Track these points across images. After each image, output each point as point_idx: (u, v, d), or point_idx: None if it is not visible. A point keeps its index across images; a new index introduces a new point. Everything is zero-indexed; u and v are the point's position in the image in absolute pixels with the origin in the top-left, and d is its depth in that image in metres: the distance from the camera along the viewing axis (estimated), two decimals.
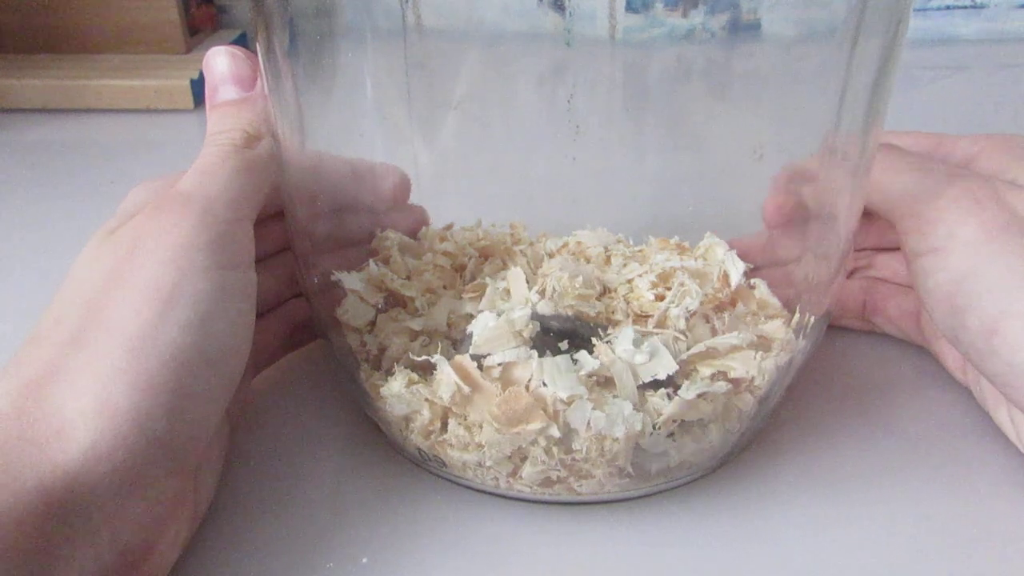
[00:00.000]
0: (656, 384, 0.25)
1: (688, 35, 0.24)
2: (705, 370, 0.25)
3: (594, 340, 0.25)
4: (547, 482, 0.25)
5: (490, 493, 0.27)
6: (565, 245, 0.31)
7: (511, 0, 0.24)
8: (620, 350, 0.25)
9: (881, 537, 0.26)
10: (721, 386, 0.25)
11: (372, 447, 0.29)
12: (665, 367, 0.25)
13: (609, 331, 0.26)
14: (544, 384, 0.24)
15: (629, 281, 0.29)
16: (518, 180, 0.31)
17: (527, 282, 0.28)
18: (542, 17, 0.24)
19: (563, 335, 0.26)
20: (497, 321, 0.25)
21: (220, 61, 0.28)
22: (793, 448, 0.29)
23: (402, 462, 0.29)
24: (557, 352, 0.25)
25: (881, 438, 0.30)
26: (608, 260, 0.30)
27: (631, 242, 0.32)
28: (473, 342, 0.25)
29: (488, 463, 0.25)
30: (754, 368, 0.25)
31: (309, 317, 0.32)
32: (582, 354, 0.25)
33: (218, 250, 0.23)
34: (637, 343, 0.25)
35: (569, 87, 0.26)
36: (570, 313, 0.27)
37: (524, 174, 0.31)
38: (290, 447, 0.29)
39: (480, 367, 0.24)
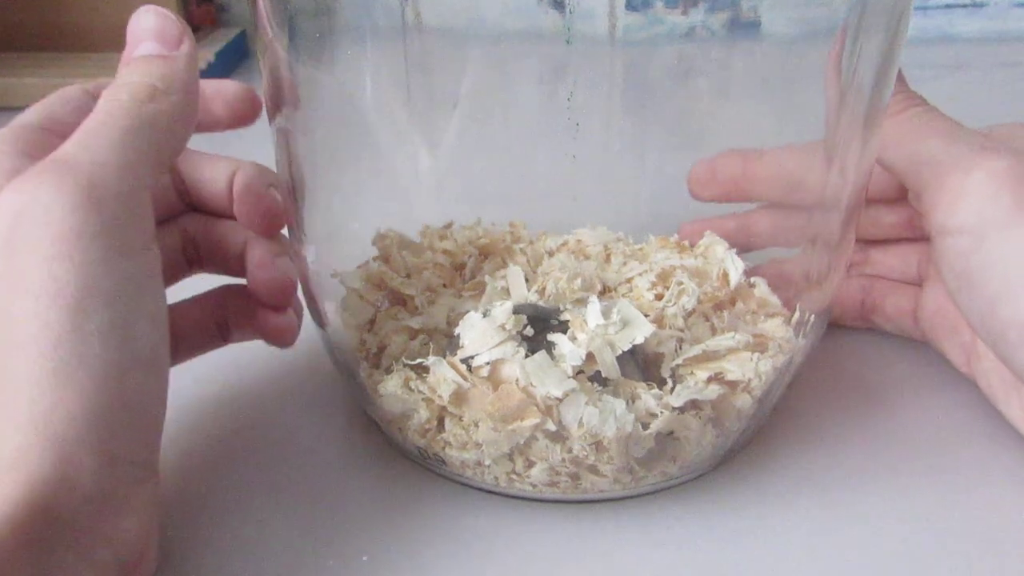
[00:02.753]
0: (640, 363, 0.25)
1: (688, 33, 0.24)
2: (701, 373, 0.25)
3: (565, 316, 0.25)
4: (550, 480, 0.25)
5: (490, 491, 0.27)
6: (565, 243, 0.31)
7: None
8: (592, 324, 0.24)
9: (881, 536, 0.26)
10: (713, 391, 0.25)
11: (372, 446, 0.29)
12: (641, 330, 0.24)
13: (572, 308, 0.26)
14: (532, 385, 0.23)
15: (629, 280, 0.29)
16: (518, 178, 0.31)
17: (527, 280, 0.28)
18: (542, 15, 0.24)
19: (540, 321, 0.25)
20: (483, 320, 0.25)
21: (146, 18, 0.24)
22: (793, 446, 0.29)
23: (402, 461, 0.29)
24: (524, 340, 0.25)
25: (881, 436, 0.30)
26: (608, 258, 0.30)
27: (631, 240, 0.32)
28: (461, 343, 0.25)
29: (487, 462, 0.25)
30: (751, 370, 0.25)
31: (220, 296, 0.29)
32: (559, 338, 0.24)
33: (115, 234, 0.20)
34: (606, 312, 0.25)
35: (569, 85, 0.26)
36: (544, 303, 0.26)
37: (524, 172, 0.31)
38: (290, 446, 0.29)
39: (469, 368, 0.24)
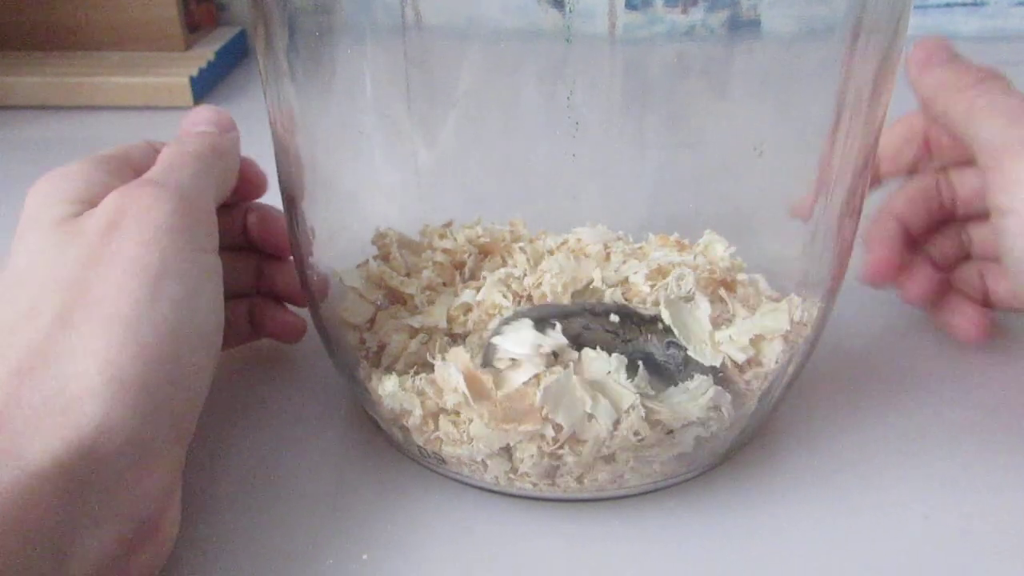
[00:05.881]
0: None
1: (688, 32, 0.24)
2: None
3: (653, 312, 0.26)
4: (548, 476, 0.25)
5: (489, 490, 0.27)
6: (565, 242, 0.31)
7: None
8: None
9: (882, 534, 0.26)
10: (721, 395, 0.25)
11: (372, 445, 0.29)
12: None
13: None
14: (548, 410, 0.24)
15: (625, 279, 0.29)
16: (518, 177, 0.31)
17: (524, 274, 0.28)
18: (542, 14, 0.24)
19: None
20: (532, 331, 0.25)
21: (204, 111, 0.30)
22: (794, 444, 0.29)
23: (402, 459, 0.29)
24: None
25: (882, 434, 0.30)
26: (607, 257, 0.30)
27: (631, 239, 0.32)
28: (497, 356, 0.25)
29: (479, 458, 0.25)
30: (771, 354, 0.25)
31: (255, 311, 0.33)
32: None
33: (195, 234, 0.24)
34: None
35: (569, 84, 0.26)
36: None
37: (524, 171, 0.31)
38: (290, 445, 0.29)
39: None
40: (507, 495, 0.27)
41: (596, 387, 0.24)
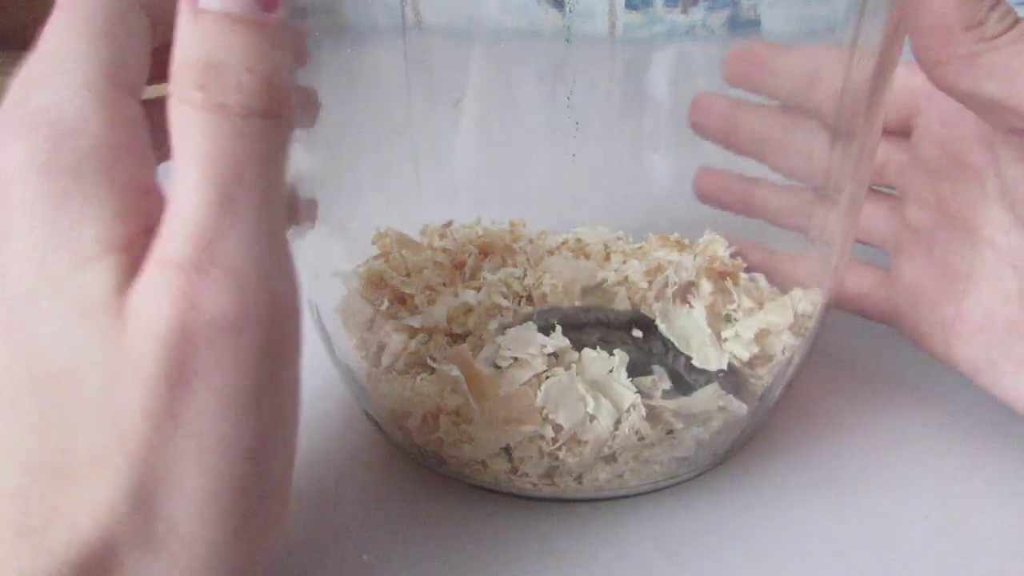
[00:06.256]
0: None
1: (688, 32, 0.24)
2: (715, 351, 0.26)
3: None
4: (547, 476, 0.25)
5: (490, 490, 0.27)
6: (565, 242, 0.31)
7: None
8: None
9: (882, 535, 0.26)
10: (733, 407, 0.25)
11: (372, 444, 0.29)
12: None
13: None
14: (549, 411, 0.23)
15: (625, 278, 0.29)
16: (518, 177, 0.31)
17: (524, 274, 0.28)
18: (542, 14, 0.24)
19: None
20: (536, 334, 0.25)
21: None
22: (794, 444, 0.29)
23: (402, 459, 0.29)
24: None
25: (882, 434, 0.30)
26: (608, 257, 0.31)
27: (631, 239, 0.32)
28: (500, 353, 0.25)
29: (479, 458, 0.25)
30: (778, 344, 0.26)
31: None
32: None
33: (292, 384, 0.18)
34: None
35: (569, 84, 0.26)
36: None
37: (524, 171, 0.31)
38: None
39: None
40: (507, 495, 0.27)
41: (597, 387, 0.24)
